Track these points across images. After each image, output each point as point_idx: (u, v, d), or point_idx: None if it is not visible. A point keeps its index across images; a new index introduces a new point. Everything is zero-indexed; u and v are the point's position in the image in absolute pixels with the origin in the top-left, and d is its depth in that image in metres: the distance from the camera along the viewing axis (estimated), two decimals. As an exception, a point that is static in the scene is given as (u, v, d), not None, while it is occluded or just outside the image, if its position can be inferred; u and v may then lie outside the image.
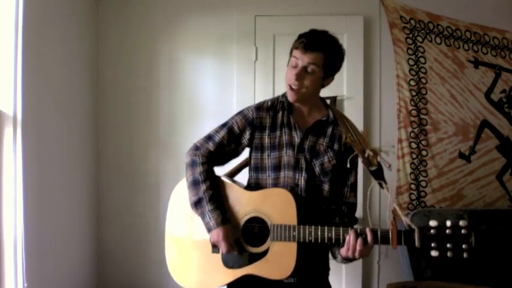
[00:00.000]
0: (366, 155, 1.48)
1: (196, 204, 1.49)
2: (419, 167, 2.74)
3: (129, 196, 2.75)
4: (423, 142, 2.74)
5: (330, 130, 1.56)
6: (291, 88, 1.48)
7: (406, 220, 1.38)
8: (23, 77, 1.83)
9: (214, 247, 1.52)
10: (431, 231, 1.30)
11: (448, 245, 1.29)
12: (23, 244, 1.82)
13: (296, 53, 1.47)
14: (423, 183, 2.74)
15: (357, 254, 1.38)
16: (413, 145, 2.74)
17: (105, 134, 2.76)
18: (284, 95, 1.59)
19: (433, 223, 1.30)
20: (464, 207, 2.72)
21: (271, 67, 2.69)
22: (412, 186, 2.73)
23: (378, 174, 1.48)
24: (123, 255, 2.74)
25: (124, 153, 2.76)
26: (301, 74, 1.46)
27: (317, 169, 1.52)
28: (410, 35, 2.76)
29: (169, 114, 2.75)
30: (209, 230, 1.47)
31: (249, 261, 1.47)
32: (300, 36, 1.50)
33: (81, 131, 2.55)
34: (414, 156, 2.74)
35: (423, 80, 2.75)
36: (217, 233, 1.45)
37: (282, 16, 2.69)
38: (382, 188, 1.48)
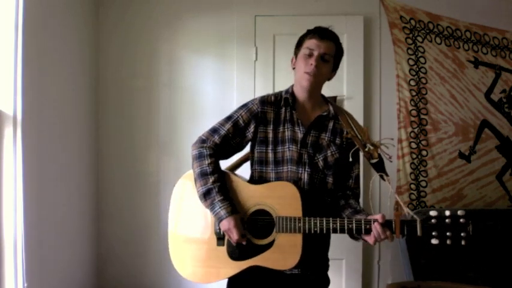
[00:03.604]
0: (367, 148, 1.51)
1: (205, 195, 1.51)
2: (419, 167, 2.74)
3: (129, 196, 2.75)
4: (423, 142, 2.74)
5: (331, 125, 1.59)
6: (307, 74, 1.52)
7: (408, 211, 1.45)
8: (23, 77, 1.83)
9: (219, 240, 1.54)
10: (432, 220, 1.35)
11: (448, 234, 1.34)
12: (23, 244, 1.82)
13: (310, 43, 1.53)
14: (423, 183, 2.74)
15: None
16: (413, 145, 2.74)
17: (105, 134, 2.76)
18: (288, 91, 1.62)
19: (433, 213, 1.36)
20: (464, 207, 2.72)
21: (271, 67, 2.69)
22: (412, 186, 2.73)
23: (379, 166, 1.52)
24: (124, 255, 2.74)
25: (124, 153, 2.75)
26: (319, 60, 1.52)
27: (321, 163, 1.55)
28: (410, 35, 2.76)
29: (169, 114, 2.75)
30: (220, 219, 1.48)
31: (255, 253, 1.49)
32: (310, 31, 1.57)
33: (81, 131, 2.55)
34: (414, 156, 2.74)
35: (423, 80, 2.75)
36: (229, 222, 1.46)
37: (282, 16, 2.69)
38: (384, 180, 1.52)
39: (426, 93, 2.75)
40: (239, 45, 2.72)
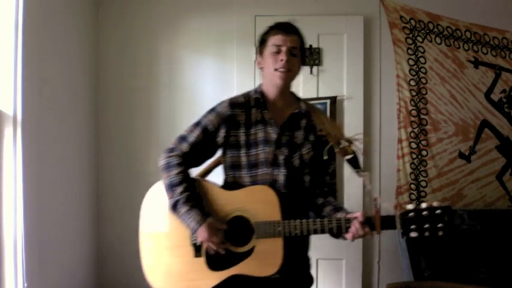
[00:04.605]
0: (341, 145, 1.50)
1: (175, 207, 1.46)
2: (419, 167, 2.74)
3: (129, 196, 2.75)
4: (423, 142, 2.74)
5: (304, 122, 1.57)
6: (278, 71, 1.49)
7: (386, 206, 1.43)
8: (23, 77, 1.82)
9: (197, 251, 1.49)
10: (410, 214, 1.37)
11: (426, 226, 1.36)
12: (23, 244, 1.82)
13: (276, 39, 1.51)
14: (423, 183, 2.74)
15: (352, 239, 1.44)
16: (413, 145, 2.74)
17: (105, 134, 2.76)
18: (257, 91, 1.58)
19: (410, 206, 1.38)
20: (464, 207, 2.72)
21: (271, 67, 2.68)
22: (412, 186, 2.73)
23: (354, 162, 1.51)
24: (123, 255, 2.73)
25: (124, 153, 2.75)
26: (288, 55, 1.50)
27: (296, 162, 1.52)
28: (410, 35, 2.76)
29: (169, 114, 2.75)
30: (193, 230, 1.44)
31: (235, 262, 1.45)
32: (272, 27, 1.55)
33: (81, 131, 2.55)
34: (414, 156, 2.74)
35: (423, 80, 2.75)
36: (202, 231, 1.42)
37: (282, 16, 2.65)
38: (360, 176, 1.51)
39: (426, 93, 2.75)
40: (239, 45, 2.72)
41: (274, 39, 1.51)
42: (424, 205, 1.36)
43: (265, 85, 1.58)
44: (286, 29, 1.52)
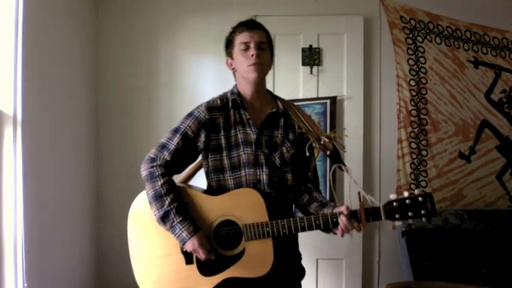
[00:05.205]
0: (322, 141, 1.51)
1: (164, 219, 1.45)
2: (419, 167, 2.74)
3: (129, 196, 2.73)
4: (423, 142, 2.74)
5: (282, 121, 1.58)
6: (252, 65, 1.50)
7: (370, 199, 1.46)
8: (23, 77, 1.83)
9: (188, 259, 1.49)
10: (394, 204, 1.39)
11: (410, 213, 1.38)
12: (23, 244, 1.82)
13: (243, 36, 1.52)
14: (423, 183, 2.74)
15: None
16: (413, 145, 2.74)
17: (105, 133, 2.76)
18: (233, 92, 1.59)
19: (393, 196, 1.41)
20: (464, 207, 2.72)
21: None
22: (412, 186, 2.73)
23: (335, 157, 1.52)
24: (123, 255, 2.71)
25: (124, 153, 2.75)
26: (258, 49, 1.51)
27: (278, 161, 1.53)
28: (410, 35, 2.76)
29: (169, 114, 2.75)
30: (183, 241, 1.43)
31: (227, 265, 1.46)
32: (236, 27, 1.57)
33: (81, 131, 2.55)
34: (414, 156, 2.74)
35: (423, 80, 2.76)
36: (193, 243, 1.42)
37: (282, 16, 2.69)
38: (342, 170, 1.52)
39: (426, 93, 2.75)
40: (239, 45, 2.71)
41: (241, 37, 1.52)
42: (406, 194, 1.39)
43: (240, 85, 1.59)
44: (250, 25, 1.54)
